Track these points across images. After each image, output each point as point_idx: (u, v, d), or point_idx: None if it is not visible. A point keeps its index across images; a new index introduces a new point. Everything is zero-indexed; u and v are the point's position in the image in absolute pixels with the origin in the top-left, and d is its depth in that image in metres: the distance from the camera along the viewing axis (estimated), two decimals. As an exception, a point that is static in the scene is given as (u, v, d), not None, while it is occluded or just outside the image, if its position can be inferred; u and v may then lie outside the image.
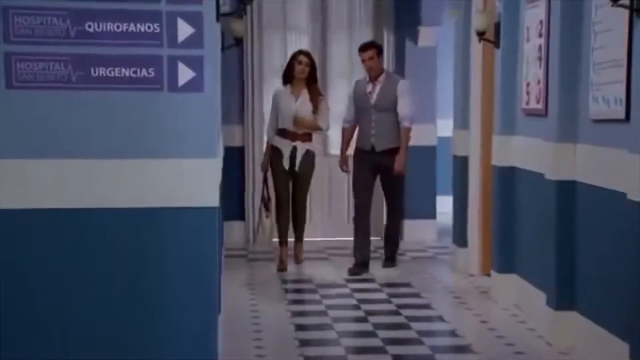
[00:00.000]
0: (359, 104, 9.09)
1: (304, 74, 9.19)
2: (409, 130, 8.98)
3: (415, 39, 11.16)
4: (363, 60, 9.02)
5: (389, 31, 11.21)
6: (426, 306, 7.85)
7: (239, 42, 9.34)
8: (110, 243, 4.85)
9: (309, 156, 9.34)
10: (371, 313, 7.53)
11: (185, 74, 4.86)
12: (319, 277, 9.03)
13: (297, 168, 9.26)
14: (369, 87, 9.02)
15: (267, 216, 9.49)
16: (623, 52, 5.56)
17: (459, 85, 9.35)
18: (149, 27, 4.82)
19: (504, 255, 7.95)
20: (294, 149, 9.25)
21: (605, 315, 6.02)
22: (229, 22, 9.54)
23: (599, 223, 6.12)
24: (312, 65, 9.24)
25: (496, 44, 8.02)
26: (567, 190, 6.48)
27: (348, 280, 8.86)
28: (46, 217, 4.79)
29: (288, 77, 9.32)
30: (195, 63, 4.86)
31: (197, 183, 4.90)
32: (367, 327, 7.15)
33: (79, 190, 4.80)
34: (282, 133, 9.29)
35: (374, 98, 8.99)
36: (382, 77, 9.03)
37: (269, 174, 9.43)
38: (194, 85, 4.86)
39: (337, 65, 11.25)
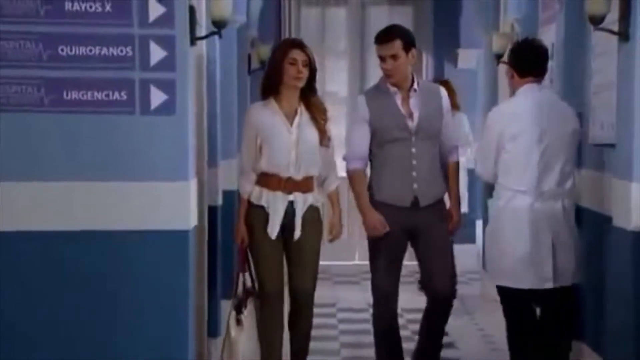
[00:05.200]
0: (387, 130, 5.55)
1: (300, 80, 5.46)
2: (458, 164, 5.86)
3: (454, 62, 11.09)
4: (381, 59, 5.55)
5: (428, 53, 11.18)
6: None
7: (264, 65, 9.35)
8: (82, 265, 4.87)
9: (315, 215, 5.59)
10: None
11: (157, 97, 4.89)
12: (343, 301, 8.96)
13: (295, 237, 5.53)
14: (398, 101, 5.54)
15: (238, 321, 5.54)
16: (614, 76, 5.44)
17: (487, 108, 9.24)
18: (121, 51, 4.85)
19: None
20: (291, 207, 5.53)
21: (604, 345, 5.87)
22: (256, 45, 9.60)
23: (597, 250, 5.98)
24: (311, 65, 5.52)
25: (515, 66, 7.90)
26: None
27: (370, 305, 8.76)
28: (16, 240, 4.81)
29: (273, 86, 5.53)
30: (168, 86, 4.88)
31: (169, 206, 4.90)
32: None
33: (50, 212, 4.83)
34: (269, 181, 5.51)
35: (415, 119, 5.52)
36: (415, 85, 5.57)
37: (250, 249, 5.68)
38: (166, 109, 4.88)
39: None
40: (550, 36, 6.93)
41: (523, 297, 5.48)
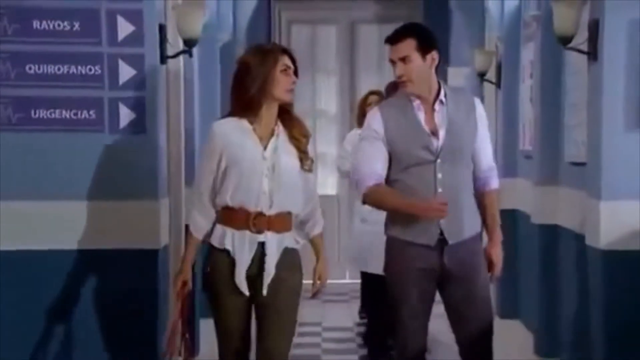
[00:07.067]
0: (407, 151, 4.42)
1: (293, 92, 4.32)
2: (499, 193, 4.65)
3: (444, 79, 11.05)
4: (392, 63, 4.44)
5: (418, 72, 11.14)
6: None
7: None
8: (51, 285, 4.87)
9: (293, 260, 4.36)
10: None
11: (126, 115, 4.89)
12: (330, 320, 8.92)
13: (265, 290, 4.26)
14: (421, 116, 4.43)
15: None
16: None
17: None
18: (90, 69, 4.86)
19: (507, 301, 7.81)
20: (261, 250, 4.27)
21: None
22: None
23: (574, 268, 5.98)
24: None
25: (498, 84, 7.93)
26: (549, 234, 6.37)
27: (358, 324, 8.75)
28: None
29: (255, 102, 4.27)
30: (137, 105, 4.89)
31: (138, 225, 4.89)
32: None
33: (19, 231, 4.83)
34: (234, 217, 4.27)
35: (441, 138, 4.42)
36: (442, 96, 4.44)
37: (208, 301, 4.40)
38: (135, 127, 4.89)
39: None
40: (530, 54, 6.95)
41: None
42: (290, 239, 4.32)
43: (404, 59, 4.37)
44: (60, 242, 4.84)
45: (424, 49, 4.36)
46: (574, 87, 5.79)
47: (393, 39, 4.41)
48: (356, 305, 9.60)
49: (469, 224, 4.44)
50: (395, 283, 4.46)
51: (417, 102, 4.41)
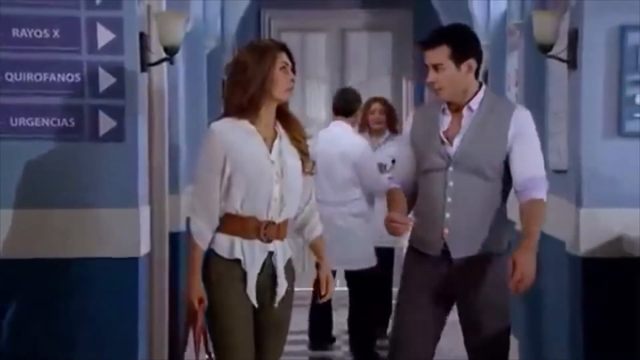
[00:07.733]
0: (423, 156, 4.36)
1: (292, 91, 4.17)
2: (543, 204, 4.36)
3: (433, 87, 11.09)
4: (426, 67, 4.32)
5: (408, 79, 11.18)
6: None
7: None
8: (29, 294, 4.85)
9: (292, 268, 4.26)
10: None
11: (106, 123, 4.88)
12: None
13: (277, 301, 4.16)
14: (445, 122, 4.32)
15: None
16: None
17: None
18: (69, 77, 4.85)
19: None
20: (270, 259, 4.13)
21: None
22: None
23: (557, 275, 5.97)
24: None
25: (484, 92, 7.94)
26: (533, 242, 6.34)
27: (342, 331, 8.75)
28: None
29: (255, 103, 4.06)
30: (117, 113, 4.88)
31: (118, 233, 4.88)
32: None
33: (-2, 240, 4.81)
34: (244, 226, 4.08)
35: (455, 145, 4.28)
36: (475, 102, 4.28)
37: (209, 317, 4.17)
38: (115, 135, 4.88)
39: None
40: (514, 62, 6.96)
41: None
42: (287, 246, 4.20)
43: (436, 67, 4.19)
44: (38, 250, 4.81)
45: (459, 57, 4.16)
46: (556, 96, 5.80)
47: (426, 45, 4.23)
48: (343, 313, 9.60)
49: (481, 240, 4.21)
50: (404, 293, 4.37)
51: (444, 106, 4.28)
